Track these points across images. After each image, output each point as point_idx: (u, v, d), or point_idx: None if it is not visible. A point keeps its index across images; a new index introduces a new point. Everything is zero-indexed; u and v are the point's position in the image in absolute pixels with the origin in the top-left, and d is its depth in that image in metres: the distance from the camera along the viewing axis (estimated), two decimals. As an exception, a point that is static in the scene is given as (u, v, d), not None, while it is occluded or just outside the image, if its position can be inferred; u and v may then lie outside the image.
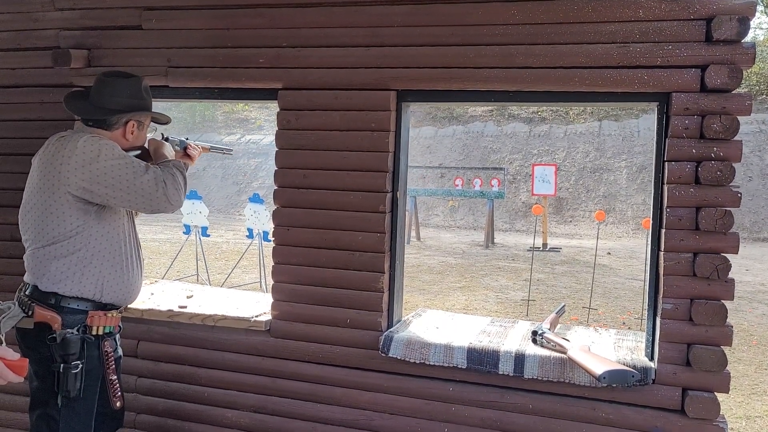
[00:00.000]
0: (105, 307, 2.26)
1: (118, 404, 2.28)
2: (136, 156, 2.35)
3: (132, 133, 2.34)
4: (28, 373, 2.11)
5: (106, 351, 2.25)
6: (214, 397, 2.73)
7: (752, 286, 8.92)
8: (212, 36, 2.69)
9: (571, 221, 15.67)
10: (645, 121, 16.94)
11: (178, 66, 2.73)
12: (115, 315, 2.30)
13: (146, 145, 2.46)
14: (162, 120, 2.46)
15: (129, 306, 2.63)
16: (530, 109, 18.49)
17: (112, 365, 2.27)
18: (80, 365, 2.15)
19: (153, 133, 2.51)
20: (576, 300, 7.82)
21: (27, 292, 2.22)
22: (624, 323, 6.84)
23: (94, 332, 2.22)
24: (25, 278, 2.26)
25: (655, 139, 2.31)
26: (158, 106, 2.53)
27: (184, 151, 2.64)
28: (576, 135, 17.48)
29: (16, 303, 2.23)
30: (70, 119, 2.80)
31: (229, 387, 2.72)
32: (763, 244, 13.49)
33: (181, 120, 22.61)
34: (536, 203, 13.09)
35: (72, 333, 2.15)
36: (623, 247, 12.84)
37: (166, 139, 2.57)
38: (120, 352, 2.44)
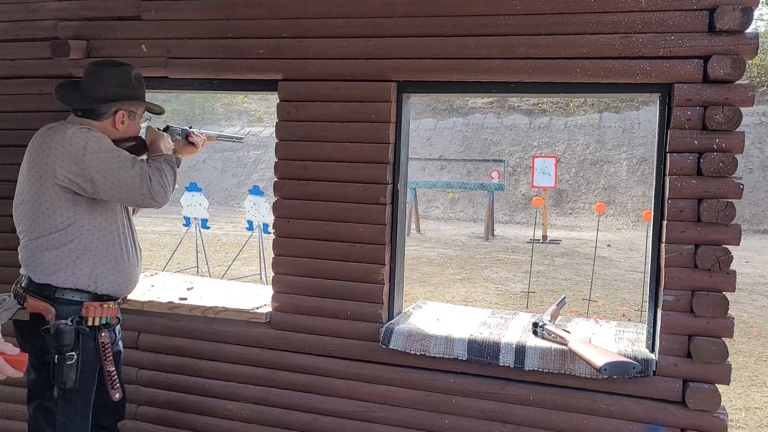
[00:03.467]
0: (101, 298, 2.24)
1: (116, 395, 2.27)
2: (131, 146, 2.31)
3: (122, 123, 2.29)
4: None
5: (103, 342, 2.23)
6: (214, 389, 2.73)
7: (752, 278, 8.93)
8: (212, 27, 2.67)
9: (571, 213, 15.66)
10: (645, 113, 16.90)
11: (178, 57, 2.71)
12: (111, 306, 2.28)
13: (143, 136, 2.42)
14: (155, 110, 2.40)
15: (129, 297, 2.63)
16: (530, 101, 18.45)
17: (109, 356, 2.24)
18: (75, 356, 2.13)
19: (147, 122, 2.47)
20: (576, 292, 7.83)
21: (23, 284, 2.21)
22: (624, 315, 6.85)
23: (89, 323, 2.20)
24: (21, 270, 2.25)
25: (657, 130, 2.30)
26: (157, 97, 2.52)
27: (186, 139, 2.60)
28: (576, 127, 17.45)
29: (12, 295, 2.22)
30: (69, 110, 2.79)
31: (229, 379, 2.72)
32: (763, 236, 13.49)
33: (180, 112, 22.56)
34: (536, 195, 13.08)
35: (65, 324, 2.13)
36: (623, 239, 12.85)
37: (167, 129, 2.53)
38: (120, 346, 2.43)
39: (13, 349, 1.65)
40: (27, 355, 1.69)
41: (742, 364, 5.32)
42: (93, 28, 2.82)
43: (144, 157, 2.35)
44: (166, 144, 2.43)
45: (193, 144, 2.60)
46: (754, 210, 14.40)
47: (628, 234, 13.84)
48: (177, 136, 2.56)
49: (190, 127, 2.64)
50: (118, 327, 2.39)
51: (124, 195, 2.18)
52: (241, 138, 3.11)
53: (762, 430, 4.13)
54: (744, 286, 8.21)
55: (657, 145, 2.30)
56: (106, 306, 2.25)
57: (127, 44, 2.77)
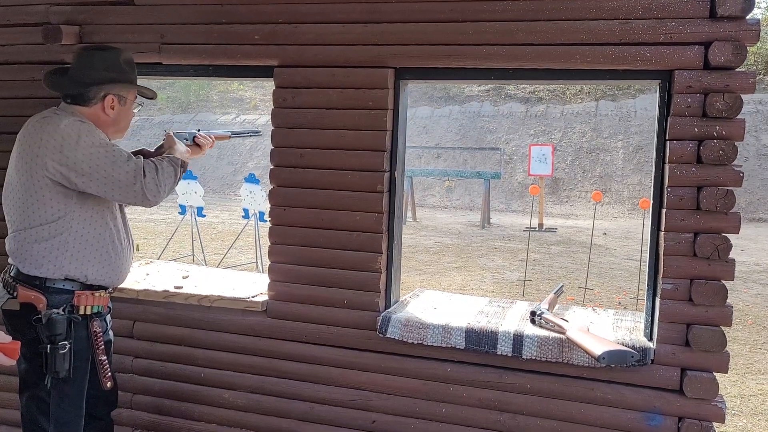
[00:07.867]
0: (92, 287, 2.21)
1: (108, 385, 2.25)
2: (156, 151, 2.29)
3: (112, 108, 2.23)
4: None
5: (95, 331, 2.20)
6: (210, 378, 2.72)
7: (747, 266, 8.95)
8: (206, 12, 2.63)
9: (567, 201, 15.67)
10: (642, 101, 16.88)
11: (172, 43, 2.68)
12: (103, 295, 2.25)
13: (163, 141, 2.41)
14: (147, 94, 2.35)
15: (124, 286, 2.61)
16: (527, 89, 18.39)
17: (101, 345, 2.22)
18: (67, 346, 2.10)
19: (140, 107, 2.43)
20: (572, 280, 7.83)
21: (11, 274, 2.18)
22: (620, 303, 6.87)
23: (81, 312, 2.17)
24: (9, 260, 2.21)
25: (656, 117, 2.28)
26: (151, 84, 2.48)
27: (193, 141, 2.57)
28: (573, 115, 17.41)
29: (1, 284, 2.19)
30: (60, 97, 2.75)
31: (225, 368, 2.71)
32: (758, 224, 13.53)
33: (175, 100, 22.41)
34: (533, 183, 13.07)
35: (57, 313, 2.10)
36: (619, 228, 12.86)
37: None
38: (111, 335, 2.40)
39: (5, 337, 1.63)
40: (19, 342, 1.67)
41: (738, 352, 5.34)
42: (85, 13, 2.77)
43: None
44: (181, 149, 2.40)
45: (198, 145, 2.58)
46: (749, 198, 14.42)
47: (624, 222, 13.86)
48: (185, 141, 2.54)
49: (198, 131, 2.62)
50: (108, 316, 2.36)
51: (115, 191, 2.13)
52: (259, 131, 3.04)
53: (756, 417, 4.15)
54: (739, 275, 8.18)
55: (656, 132, 2.28)
56: (97, 295, 2.22)
57: (120, 29, 2.73)
